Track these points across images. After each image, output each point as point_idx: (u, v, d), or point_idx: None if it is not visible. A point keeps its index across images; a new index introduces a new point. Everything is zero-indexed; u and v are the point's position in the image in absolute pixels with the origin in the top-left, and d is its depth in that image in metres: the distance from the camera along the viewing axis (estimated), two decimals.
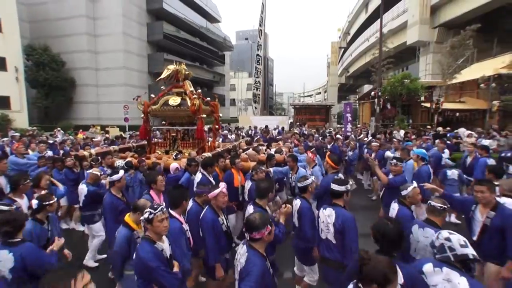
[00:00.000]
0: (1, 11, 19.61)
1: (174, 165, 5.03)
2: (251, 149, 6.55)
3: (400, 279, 1.79)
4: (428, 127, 15.82)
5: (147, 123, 6.87)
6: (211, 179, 4.44)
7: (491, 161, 5.77)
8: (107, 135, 14.20)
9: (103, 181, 4.55)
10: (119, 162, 5.26)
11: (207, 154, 5.66)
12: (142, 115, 6.72)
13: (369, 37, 39.00)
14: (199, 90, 6.98)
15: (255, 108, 24.87)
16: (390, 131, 13.61)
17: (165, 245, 2.39)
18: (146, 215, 2.30)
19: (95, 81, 27.76)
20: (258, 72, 17.57)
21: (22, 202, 3.64)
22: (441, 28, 28.23)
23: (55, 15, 26.93)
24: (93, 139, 10.93)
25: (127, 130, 18.79)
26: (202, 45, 37.14)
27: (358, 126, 18.67)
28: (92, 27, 26.96)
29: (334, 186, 3.00)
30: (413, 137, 10.97)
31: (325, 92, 75.24)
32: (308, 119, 23.27)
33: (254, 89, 24.03)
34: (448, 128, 14.36)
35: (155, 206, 2.37)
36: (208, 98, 7.39)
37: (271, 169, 5.00)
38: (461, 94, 21.97)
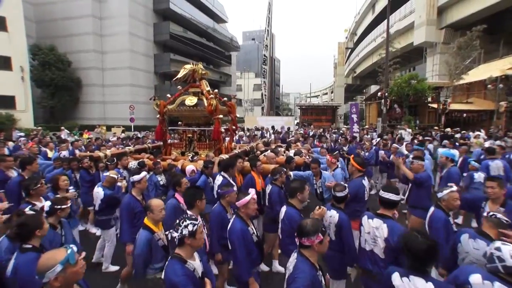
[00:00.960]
0: (7, 10, 19.72)
1: (190, 167, 4.88)
2: (269, 151, 6.34)
3: None
4: (436, 128, 15.93)
5: (163, 123, 6.74)
6: (232, 182, 4.28)
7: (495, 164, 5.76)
8: (121, 134, 14.35)
9: (119, 184, 4.41)
10: (132, 164, 5.22)
11: (224, 156, 5.47)
12: (158, 116, 6.61)
13: (376, 38, 39.00)
14: (216, 90, 6.95)
15: (262, 108, 25.13)
16: (392, 131, 13.76)
17: (196, 263, 2.15)
18: (189, 228, 2.05)
19: (101, 81, 28.29)
20: (265, 73, 17.79)
21: (40, 205, 3.56)
22: (448, 29, 28.23)
23: (61, 14, 27.52)
24: (111, 139, 11.02)
25: (132, 130, 19.20)
26: (208, 45, 37.57)
27: (366, 127, 18.82)
28: (99, 27, 27.52)
29: (386, 195, 2.70)
30: (420, 138, 10.99)
31: (332, 92, 75.20)
32: (314, 119, 23.51)
33: (263, 90, 24.31)
34: (457, 129, 14.49)
35: (193, 216, 2.19)
36: (225, 98, 7.32)
37: (291, 173, 4.80)
38: (469, 95, 22.04)
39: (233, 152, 6.57)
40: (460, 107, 20.18)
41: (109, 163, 5.42)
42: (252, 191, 2.92)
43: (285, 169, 4.48)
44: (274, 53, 72.36)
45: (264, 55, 17.33)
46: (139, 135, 14.03)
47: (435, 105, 19.04)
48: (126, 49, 27.20)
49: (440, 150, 7.69)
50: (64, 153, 7.42)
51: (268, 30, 17.00)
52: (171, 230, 2.10)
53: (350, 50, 56.30)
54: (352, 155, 4.28)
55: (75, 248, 1.69)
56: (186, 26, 32.62)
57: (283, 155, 6.12)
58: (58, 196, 3.41)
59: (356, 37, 54.91)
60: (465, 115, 19.53)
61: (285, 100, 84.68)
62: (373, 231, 2.70)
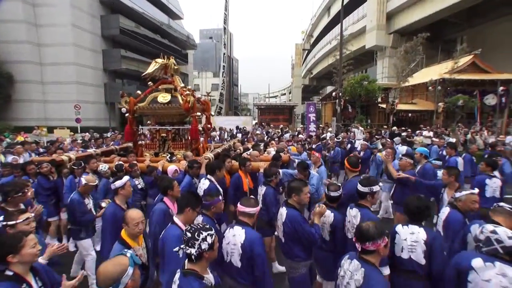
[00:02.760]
0: None
1: (172, 167, 4.68)
2: (251, 149, 6.26)
3: None
4: (385, 127, 17.24)
5: (132, 123, 6.37)
6: (218, 186, 4.06)
7: (460, 159, 6.43)
8: (68, 137, 13.20)
9: (103, 204, 4.06)
10: (103, 167, 4.88)
11: (210, 155, 5.09)
12: (127, 114, 6.23)
13: (331, 40, 41.06)
14: (189, 87, 6.69)
15: (220, 108, 25.04)
16: (348, 129, 14.62)
17: (210, 276, 2.00)
18: (208, 241, 1.89)
19: (40, 77, 25.68)
20: (224, 72, 17.75)
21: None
22: (395, 34, 30.84)
23: None
24: (73, 141, 10.25)
25: (79, 131, 17.84)
26: (163, 43, 36.31)
27: (321, 126, 19.71)
28: (32, 14, 24.54)
29: (359, 187, 3.01)
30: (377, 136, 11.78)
31: (290, 93, 77.43)
32: (272, 119, 24.04)
33: (221, 89, 24.18)
34: (403, 128, 15.82)
35: (207, 226, 2.00)
36: (199, 96, 7.09)
37: (280, 171, 4.69)
38: (413, 96, 24.21)
39: (215, 151, 6.30)
40: (406, 107, 22.11)
41: (75, 167, 5.00)
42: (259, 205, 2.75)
43: (279, 170, 4.39)
44: (232, 52, 72.40)
45: (224, 53, 17.22)
46: (106, 135, 13.14)
47: (384, 105, 20.58)
48: (68, 43, 24.99)
49: (401, 148, 8.45)
50: (22, 157, 6.73)
51: (225, 28, 16.94)
52: (182, 246, 1.91)
53: (307, 51, 58.47)
54: (346, 158, 4.29)
55: (131, 251, 1.71)
56: (138, 21, 31.14)
57: (267, 154, 6.09)
58: (12, 210, 2.92)
59: (313, 39, 57.27)
60: (410, 114, 21.43)
61: (243, 100, 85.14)
62: (352, 219, 3.01)
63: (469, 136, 12.67)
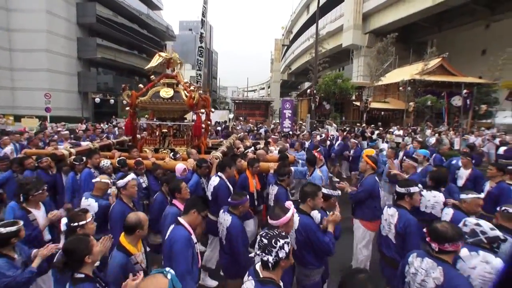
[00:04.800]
0: None
1: (180, 166, 4.41)
2: (252, 147, 6.18)
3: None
4: (358, 124, 17.85)
5: (133, 117, 6.13)
6: (229, 184, 3.96)
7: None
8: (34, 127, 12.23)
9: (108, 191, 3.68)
10: (105, 162, 4.54)
11: (219, 154, 4.98)
12: (128, 108, 5.98)
13: (310, 37, 41.59)
14: (187, 81, 6.46)
15: None
16: (322, 126, 14.99)
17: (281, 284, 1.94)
18: (285, 249, 1.81)
19: (9, 63, 24.19)
20: (200, 65, 17.47)
21: (39, 214, 3.09)
22: (371, 35, 31.81)
23: None
24: (61, 132, 9.21)
25: (48, 121, 16.95)
26: (141, 33, 35.18)
27: (300, 122, 20.07)
28: None
29: (397, 188, 3.08)
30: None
31: (269, 87, 77.59)
32: (248, 114, 24.17)
33: (196, 83, 23.79)
34: (373, 125, 16.47)
35: (283, 233, 1.90)
36: (200, 91, 6.83)
37: (292, 169, 4.61)
38: (386, 95, 25.20)
39: (221, 149, 6.03)
40: (379, 105, 23.02)
41: (76, 162, 4.61)
42: (290, 206, 2.51)
43: (292, 169, 4.31)
44: (212, 45, 71.19)
45: (201, 47, 16.92)
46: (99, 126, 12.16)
47: (358, 103, 21.27)
48: (41, 29, 23.69)
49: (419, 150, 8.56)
50: (8, 148, 6.18)
51: (204, 21, 16.66)
52: (258, 253, 1.82)
53: (286, 47, 58.80)
54: (365, 153, 4.28)
55: (172, 271, 1.57)
56: (116, 10, 29.93)
57: (272, 153, 6.01)
58: (76, 210, 2.64)
59: (292, 35, 57.66)
60: (383, 113, 22.32)
61: (222, 94, 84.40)
62: (388, 218, 3.06)
63: (436, 136, 13.41)
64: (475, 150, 8.08)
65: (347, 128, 14.63)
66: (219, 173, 3.99)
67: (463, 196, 3.11)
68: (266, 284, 1.79)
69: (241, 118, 22.26)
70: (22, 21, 23.53)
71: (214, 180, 3.92)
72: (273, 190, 3.92)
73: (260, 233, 1.93)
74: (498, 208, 2.74)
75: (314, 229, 2.72)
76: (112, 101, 24.81)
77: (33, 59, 23.90)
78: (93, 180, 3.58)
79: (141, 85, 6.31)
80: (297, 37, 51.98)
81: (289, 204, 2.55)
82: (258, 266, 1.90)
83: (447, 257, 2.00)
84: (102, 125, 15.44)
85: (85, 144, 6.51)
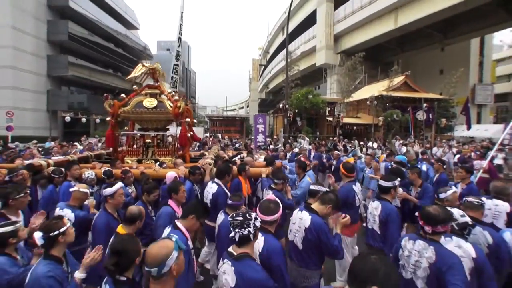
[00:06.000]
0: None
1: (171, 173, 4.35)
2: (239, 156, 6.23)
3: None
4: (331, 138, 18.43)
5: (115, 127, 5.93)
6: (227, 191, 3.96)
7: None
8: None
9: (86, 202, 3.48)
10: (89, 174, 4.31)
11: (209, 161, 5.00)
12: (109, 118, 5.82)
13: (285, 57, 43.00)
14: (170, 91, 6.47)
15: None
16: (295, 140, 15.41)
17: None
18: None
19: None
20: (175, 82, 17.62)
21: (18, 220, 2.88)
22: (342, 54, 33.52)
23: None
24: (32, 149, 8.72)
25: (10, 140, 16.09)
26: (117, 52, 35.08)
27: (275, 137, 20.43)
28: None
29: (382, 182, 3.36)
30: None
31: (248, 106, 78.60)
32: (224, 130, 24.43)
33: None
34: (346, 140, 17.06)
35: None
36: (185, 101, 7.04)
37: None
38: (358, 110, 26.30)
39: (208, 158, 6.04)
40: (351, 120, 23.96)
41: (55, 175, 4.30)
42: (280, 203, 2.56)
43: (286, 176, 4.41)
44: (190, 65, 71.86)
45: (176, 64, 17.14)
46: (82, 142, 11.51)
47: (331, 119, 22.05)
48: (6, 45, 22.90)
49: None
50: None
51: (180, 39, 17.01)
52: (237, 230, 1.93)
53: (263, 66, 60.44)
54: (342, 163, 4.39)
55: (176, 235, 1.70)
56: (91, 29, 29.81)
57: (259, 161, 6.10)
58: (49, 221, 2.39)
59: (269, 55, 59.59)
60: (355, 127, 23.19)
61: (201, 113, 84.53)
62: (373, 211, 3.30)
63: (405, 148, 14.22)
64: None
65: (320, 142, 15.11)
66: (215, 180, 3.98)
67: (442, 195, 3.39)
68: (242, 258, 1.91)
69: (213, 135, 22.38)
70: None
71: (212, 187, 3.90)
72: (267, 194, 3.85)
73: (230, 216, 2.07)
74: (462, 200, 3.02)
75: (327, 231, 2.68)
76: (84, 119, 24.23)
77: None
78: (71, 189, 3.41)
79: (123, 95, 6.23)
80: (274, 57, 53.78)
81: (273, 197, 2.63)
82: (230, 249, 2.01)
83: (437, 238, 2.16)
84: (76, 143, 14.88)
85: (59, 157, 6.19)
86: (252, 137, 21.53)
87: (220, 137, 20.86)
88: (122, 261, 1.79)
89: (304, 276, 2.79)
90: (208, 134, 25.54)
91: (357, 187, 4.04)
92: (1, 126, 18.62)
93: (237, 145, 13.43)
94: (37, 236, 2.06)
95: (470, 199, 2.87)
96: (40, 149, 9.43)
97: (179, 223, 2.54)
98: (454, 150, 12.83)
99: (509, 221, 3.10)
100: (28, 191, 3.11)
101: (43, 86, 26.34)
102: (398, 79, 22.89)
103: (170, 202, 3.25)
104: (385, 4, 26.02)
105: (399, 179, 3.53)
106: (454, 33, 27.96)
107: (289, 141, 16.86)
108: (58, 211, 3.15)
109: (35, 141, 13.87)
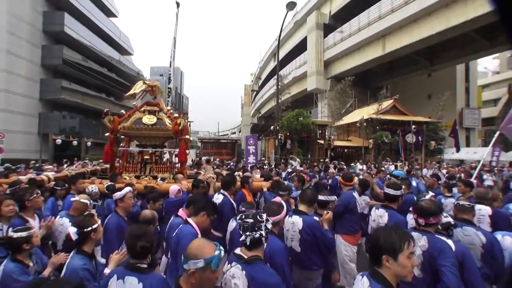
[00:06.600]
0: None
1: (174, 187, 4.46)
2: (237, 173, 6.43)
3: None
4: (321, 160, 18.69)
5: (114, 143, 6.03)
6: (233, 201, 4.07)
7: None
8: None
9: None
10: (92, 188, 4.38)
11: (212, 175, 5.13)
12: (108, 134, 5.95)
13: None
14: (169, 108, 6.63)
15: None
16: (286, 162, 15.60)
17: None
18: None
19: None
20: (167, 104, 18.02)
21: (35, 223, 3.03)
22: (332, 79, 34.72)
23: None
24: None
25: (0, 163, 15.90)
26: (110, 77, 35.68)
27: (263, 159, 20.59)
28: None
29: (389, 191, 3.42)
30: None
31: (240, 132, 79.21)
32: (215, 152, 24.49)
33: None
34: (335, 162, 17.32)
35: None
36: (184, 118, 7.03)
37: None
38: (348, 133, 26.85)
39: (210, 172, 6.21)
40: (342, 143, 24.44)
41: (58, 188, 4.42)
42: (284, 209, 2.61)
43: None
44: (183, 90, 72.96)
45: (169, 87, 17.58)
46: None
47: (322, 141, 22.45)
48: (0, 69, 23.30)
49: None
50: None
51: (172, 64, 17.60)
52: (247, 233, 1.88)
53: (255, 92, 61.79)
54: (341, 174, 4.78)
55: (222, 252, 1.52)
56: (84, 54, 30.52)
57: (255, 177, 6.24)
58: (81, 217, 2.50)
59: (261, 81, 61.16)
60: (346, 150, 23.59)
61: (194, 138, 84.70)
62: (377, 219, 3.39)
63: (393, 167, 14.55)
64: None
65: (311, 163, 15.37)
66: (221, 191, 4.13)
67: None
68: (254, 262, 1.83)
69: (210, 158, 22.42)
70: None
71: (218, 198, 4.03)
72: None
73: (239, 218, 2.02)
74: (454, 203, 3.25)
75: (320, 227, 2.85)
76: (75, 142, 24.22)
77: None
78: (71, 199, 3.48)
79: (123, 111, 6.39)
80: (266, 83, 55.21)
81: (279, 200, 2.73)
82: (238, 251, 1.96)
83: (430, 229, 2.34)
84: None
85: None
86: (244, 160, 21.72)
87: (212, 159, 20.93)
88: (140, 245, 1.89)
89: (307, 278, 2.88)
90: (200, 157, 25.62)
91: (356, 194, 4.24)
92: None
93: (231, 165, 13.55)
94: (72, 231, 2.20)
95: (461, 202, 3.11)
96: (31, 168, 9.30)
97: (189, 219, 2.61)
98: (444, 171, 13.16)
99: (492, 223, 3.30)
100: (39, 192, 3.26)
101: (35, 109, 26.41)
102: (387, 103, 23.70)
103: (181, 213, 3.17)
104: (372, 32, 27.50)
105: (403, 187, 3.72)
106: (439, 59, 29.61)
107: (282, 161, 17.13)
108: (57, 219, 3.20)
109: (22, 165, 13.68)
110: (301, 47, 39.36)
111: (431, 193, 5.02)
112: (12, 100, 24.12)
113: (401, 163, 17.24)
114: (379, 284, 1.50)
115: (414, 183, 6.85)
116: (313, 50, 35.27)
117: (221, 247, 1.53)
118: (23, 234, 2.30)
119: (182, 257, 1.48)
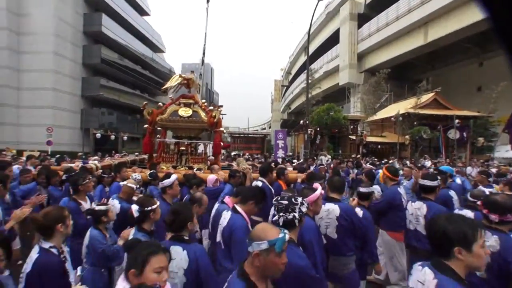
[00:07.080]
0: None
1: (212, 177, 4.56)
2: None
3: None
4: (353, 156, 18.14)
5: (152, 134, 6.31)
6: (271, 187, 4.21)
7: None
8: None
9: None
10: (136, 175, 4.50)
11: (245, 165, 5.33)
12: (147, 125, 6.19)
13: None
14: (204, 101, 6.94)
15: None
16: (316, 156, 15.33)
17: None
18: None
19: (16, 101, 25.52)
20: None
21: (87, 205, 3.34)
22: (366, 73, 33.40)
23: None
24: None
25: (49, 154, 17.36)
26: (144, 74, 37.33)
27: (289, 154, 20.43)
28: (16, 42, 25.32)
29: (426, 182, 3.36)
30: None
31: (270, 127, 79.16)
32: (245, 147, 24.68)
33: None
34: (367, 158, 16.75)
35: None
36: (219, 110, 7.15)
37: None
38: (383, 129, 25.76)
39: (245, 163, 6.35)
40: (375, 139, 23.50)
41: (105, 175, 4.85)
42: (319, 187, 2.65)
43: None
44: (213, 86, 74.26)
45: (198, 84, 17.92)
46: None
47: (354, 137, 21.78)
48: (48, 69, 25.37)
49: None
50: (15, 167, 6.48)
51: (203, 60, 17.92)
52: (281, 214, 1.90)
53: (285, 87, 61.22)
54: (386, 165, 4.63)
55: (287, 236, 1.47)
56: (120, 52, 32.21)
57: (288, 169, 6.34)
58: (143, 196, 2.91)
59: (291, 76, 60.51)
60: (379, 146, 22.68)
61: (224, 134, 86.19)
62: (415, 212, 3.32)
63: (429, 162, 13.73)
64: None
65: (343, 158, 15.01)
66: (260, 178, 4.35)
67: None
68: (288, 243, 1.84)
69: (239, 153, 22.73)
70: (30, 62, 25.32)
71: (257, 184, 4.19)
72: None
73: (275, 200, 2.05)
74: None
75: (355, 213, 2.97)
76: (113, 137, 25.89)
77: (40, 97, 25.23)
78: (121, 183, 3.90)
79: (160, 103, 6.64)
80: (296, 78, 54.55)
81: (316, 185, 2.71)
82: None
83: (504, 228, 2.04)
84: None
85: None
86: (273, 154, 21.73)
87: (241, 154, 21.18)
88: (179, 219, 2.11)
89: (343, 264, 2.91)
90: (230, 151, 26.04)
91: (402, 190, 4.12)
92: (42, 143, 20.18)
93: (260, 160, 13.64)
94: (134, 208, 2.44)
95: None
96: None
97: (238, 208, 2.61)
98: (494, 170, 12.06)
99: None
100: (91, 177, 3.63)
101: (78, 106, 28.46)
102: (426, 96, 22.30)
103: (227, 200, 3.07)
104: (413, 19, 25.60)
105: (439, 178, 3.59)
106: (492, 46, 25.35)
107: (311, 157, 16.91)
108: (110, 200, 3.44)
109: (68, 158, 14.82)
110: (333, 39, 38.30)
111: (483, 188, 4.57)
112: (59, 98, 26.19)
113: (442, 161, 16.18)
114: (446, 276, 1.39)
115: (458, 181, 6.37)
116: (346, 42, 34.18)
117: (286, 231, 1.51)
118: (102, 208, 2.74)
119: (247, 240, 1.48)
